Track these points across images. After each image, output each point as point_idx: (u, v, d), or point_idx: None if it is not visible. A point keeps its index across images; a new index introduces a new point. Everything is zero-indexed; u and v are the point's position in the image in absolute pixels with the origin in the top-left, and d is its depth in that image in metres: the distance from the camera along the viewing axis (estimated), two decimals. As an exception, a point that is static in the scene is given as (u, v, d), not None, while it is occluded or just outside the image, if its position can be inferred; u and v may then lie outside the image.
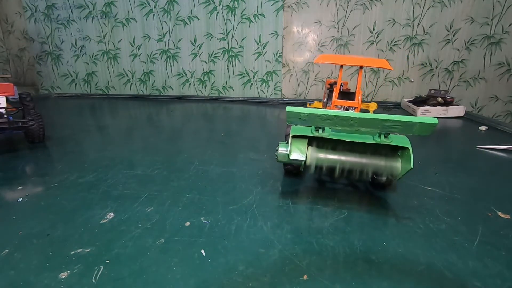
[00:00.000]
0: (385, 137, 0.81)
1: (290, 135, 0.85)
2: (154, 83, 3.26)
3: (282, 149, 0.91)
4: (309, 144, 0.88)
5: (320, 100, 1.82)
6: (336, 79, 1.65)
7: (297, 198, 0.96)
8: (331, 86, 1.35)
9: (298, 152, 0.85)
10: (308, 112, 0.73)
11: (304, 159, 0.85)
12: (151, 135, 1.76)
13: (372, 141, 0.82)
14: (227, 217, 0.85)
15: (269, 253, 0.70)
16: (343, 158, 0.85)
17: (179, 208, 0.89)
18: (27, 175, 1.15)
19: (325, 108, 1.38)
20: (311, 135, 0.84)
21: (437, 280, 0.62)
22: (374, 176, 0.97)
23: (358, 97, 1.05)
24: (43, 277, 0.61)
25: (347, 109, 1.05)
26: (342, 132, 0.84)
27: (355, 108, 1.06)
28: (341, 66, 1.04)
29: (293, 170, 1.07)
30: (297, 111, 0.73)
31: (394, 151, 0.86)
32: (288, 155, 0.87)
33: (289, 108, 0.74)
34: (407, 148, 0.80)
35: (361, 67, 1.04)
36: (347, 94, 1.22)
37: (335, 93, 1.04)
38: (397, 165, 0.83)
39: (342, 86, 1.33)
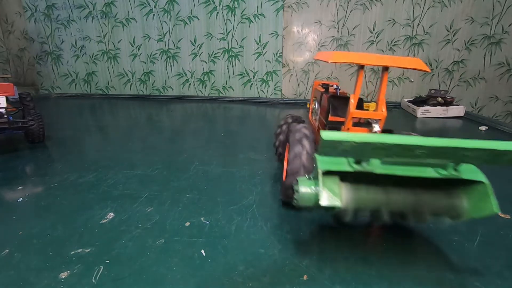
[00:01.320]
0: (455, 169, 0.60)
1: (320, 170, 0.60)
2: (154, 83, 3.26)
3: (305, 189, 0.63)
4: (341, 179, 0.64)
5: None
6: (327, 80, 1.43)
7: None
8: (326, 89, 1.16)
9: (331, 195, 0.60)
10: (356, 140, 0.50)
11: (340, 204, 0.60)
12: (151, 135, 1.76)
13: (436, 175, 0.60)
14: (227, 217, 0.85)
15: (269, 253, 0.70)
16: (392, 197, 0.63)
17: (179, 208, 0.89)
18: (27, 175, 1.15)
19: (317, 119, 1.18)
20: (350, 169, 0.61)
21: (437, 280, 0.62)
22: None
23: (383, 108, 0.83)
24: (43, 277, 0.61)
25: (369, 123, 0.85)
26: (392, 165, 0.61)
27: (378, 120, 0.83)
28: (362, 67, 0.81)
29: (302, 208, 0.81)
30: (339, 139, 0.50)
31: (453, 188, 0.64)
32: (315, 199, 0.62)
33: (325, 136, 0.50)
34: (483, 183, 0.61)
35: (386, 69, 0.81)
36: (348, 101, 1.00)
37: (353, 103, 0.81)
38: (464, 204, 0.63)
39: (339, 89, 1.12)
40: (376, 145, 0.51)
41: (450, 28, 2.62)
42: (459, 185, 0.63)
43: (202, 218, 0.84)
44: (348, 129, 0.84)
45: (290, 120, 1.20)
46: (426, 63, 2.75)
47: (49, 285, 0.59)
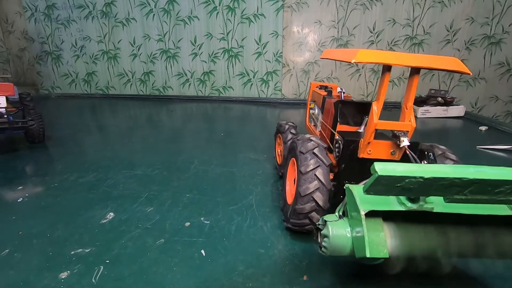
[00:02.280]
0: None
1: (362, 212, 0.48)
2: (154, 83, 3.26)
3: (339, 234, 0.51)
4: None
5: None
6: (326, 81, 1.26)
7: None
8: (329, 93, 1.04)
9: (381, 245, 0.47)
10: (426, 176, 0.39)
11: (387, 254, 0.48)
12: (151, 135, 1.76)
13: (510, 213, 0.51)
14: (227, 217, 0.85)
15: (269, 253, 0.70)
16: (452, 240, 0.51)
17: (179, 208, 0.89)
18: (27, 175, 1.15)
19: (318, 125, 1.05)
20: (404, 209, 0.49)
21: (437, 280, 0.62)
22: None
23: (411, 117, 0.71)
24: (43, 277, 0.61)
25: (397, 136, 0.71)
26: (455, 202, 0.47)
27: (406, 132, 0.70)
28: (389, 68, 0.68)
29: (306, 231, 0.72)
30: (401, 175, 0.39)
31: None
32: (350, 248, 0.51)
33: (382, 170, 0.39)
34: None
35: (418, 71, 0.68)
36: (360, 107, 0.85)
37: (377, 111, 0.68)
38: None
39: (344, 92, 1.01)
40: (453, 181, 0.39)
41: (450, 28, 2.62)
42: None
43: (202, 218, 0.84)
44: (369, 142, 0.71)
45: (293, 131, 1.04)
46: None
47: (49, 285, 0.59)
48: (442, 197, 0.48)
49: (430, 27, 2.65)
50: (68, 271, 0.63)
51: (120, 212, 0.86)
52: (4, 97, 1.37)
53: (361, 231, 0.48)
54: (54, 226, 0.80)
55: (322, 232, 0.53)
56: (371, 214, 0.48)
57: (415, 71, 0.69)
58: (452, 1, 2.55)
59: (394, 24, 2.70)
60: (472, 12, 2.54)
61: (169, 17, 3.00)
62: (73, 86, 3.41)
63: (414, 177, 0.39)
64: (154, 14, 3.01)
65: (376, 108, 0.69)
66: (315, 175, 0.66)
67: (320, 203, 0.66)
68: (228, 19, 2.90)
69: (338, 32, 2.82)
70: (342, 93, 1.01)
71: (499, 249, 0.52)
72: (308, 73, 2.97)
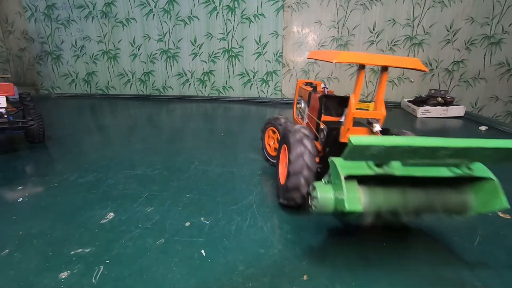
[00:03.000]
0: (468, 168, 0.64)
1: (342, 176, 0.60)
2: (154, 83, 3.26)
3: (324, 195, 0.64)
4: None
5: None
6: (315, 80, 1.40)
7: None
8: (314, 89, 1.16)
9: (356, 201, 0.60)
10: (386, 144, 0.51)
11: (362, 209, 0.61)
12: (151, 135, 1.76)
13: (452, 174, 0.64)
14: (227, 217, 0.85)
15: (269, 253, 0.70)
16: (410, 199, 0.65)
17: (179, 208, 0.89)
18: (27, 175, 1.15)
19: (303, 118, 1.19)
20: (372, 173, 0.61)
21: (437, 279, 0.62)
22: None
23: (382, 108, 0.84)
24: (43, 277, 0.61)
25: (369, 122, 0.85)
26: (411, 166, 0.63)
27: (378, 120, 0.84)
28: (363, 67, 0.82)
29: (298, 205, 0.86)
30: (369, 144, 0.51)
31: (461, 185, 0.67)
32: (335, 204, 0.63)
33: (355, 141, 0.50)
34: (491, 180, 0.65)
35: (386, 69, 0.82)
36: (341, 100, 0.98)
37: (354, 103, 0.81)
38: (471, 201, 0.66)
39: (327, 88, 1.14)
40: (405, 148, 0.52)
41: (450, 28, 2.62)
42: (467, 182, 0.67)
43: (202, 218, 0.84)
44: (348, 129, 0.83)
45: (282, 121, 1.18)
46: (426, 63, 2.75)
47: (49, 285, 0.59)
48: (400, 162, 0.62)
49: (430, 27, 2.65)
50: (68, 271, 0.63)
51: (120, 212, 0.86)
52: (4, 97, 1.37)
53: (341, 191, 0.60)
54: (54, 226, 0.80)
55: (312, 194, 0.66)
56: (348, 179, 0.61)
57: (384, 69, 0.83)
58: (452, 1, 2.55)
59: (394, 24, 2.70)
60: (472, 12, 2.54)
61: (169, 17, 3.00)
62: (73, 86, 3.41)
63: (378, 146, 0.51)
64: (154, 14, 3.01)
65: (353, 100, 0.81)
66: (303, 159, 0.79)
67: (307, 181, 0.78)
68: (228, 19, 2.90)
69: (338, 32, 2.82)
70: (326, 88, 1.15)
71: (445, 206, 0.66)
72: (308, 73, 2.97)
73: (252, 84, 3.07)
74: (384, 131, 0.84)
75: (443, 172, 0.64)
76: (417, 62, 0.78)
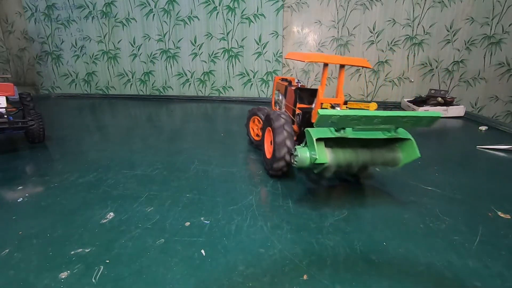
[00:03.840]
0: (395, 131, 0.90)
1: (314, 138, 0.84)
2: (154, 83, 3.26)
3: (303, 153, 0.88)
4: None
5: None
6: (288, 77, 1.65)
7: (297, 198, 0.96)
8: (289, 83, 1.39)
9: (324, 156, 0.86)
10: (340, 114, 0.77)
11: (328, 162, 0.86)
12: (151, 135, 1.76)
13: (384, 136, 0.90)
14: (227, 217, 0.85)
15: (269, 253, 0.70)
16: (360, 155, 0.91)
17: (179, 208, 0.89)
18: (27, 175, 1.15)
19: (280, 107, 1.44)
20: (333, 136, 0.86)
21: (437, 280, 0.62)
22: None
23: (341, 95, 1.10)
24: (43, 277, 0.61)
25: (333, 107, 1.11)
26: (358, 131, 0.88)
27: (339, 104, 1.11)
28: (327, 65, 1.07)
29: (283, 173, 1.09)
30: (330, 114, 0.76)
31: (391, 144, 0.96)
32: (310, 160, 0.86)
33: (321, 111, 0.75)
34: (410, 140, 0.92)
35: (342, 66, 1.09)
36: (311, 92, 1.22)
37: (321, 92, 1.07)
38: (400, 155, 0.94)
39: (300, 83, 1.39)
40: (352, 117, 0.79)
41: (450, 28, 2.62)
42: (395, 143, 0.96)
43: (202, 218, 0.84)
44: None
45: (265, 111, 1.41)
46: (426, 63, 2.75)
47: (49, 285, 0.59)
48: (351, 129, 0.87)
49: (430, 27, 2.65)
50: (68, 271, 0.63)
51: (120, 212, 0.87)
52: (4, 97, 1.37)
53: (314, 149, 0.85)
54: (54, 226, 0.80)
55: (294, 154, 0.90)
56: (318, 141, 0.86)
57: (341, 66, 1.09)
58: (452, 1, 2.55)
59: (394, 24, 2.70)
60: (472, 12, 2.54)
61: (169, 17, 3.00)
62: (73, 86, 3.41)
63: (335, 115, 0.77)
64: (154, 14, 3.01)
65: (321, 91, 1.07)
66: (285, 144, 1.02)
67: (288, 152, 1.02)
68: (228, 19, 2.90)
69: (338, 32, 2.82)
70: (299, 83, 1.40)
71: (383, 160, 0.94)
72: (308, 73, 2.97)
73: (252, 84, 3.07)
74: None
75: (379, 135, 0.91)
76: (364, 61, 1.06)
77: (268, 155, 1.15)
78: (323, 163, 0.86)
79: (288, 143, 1.01)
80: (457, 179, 1.15)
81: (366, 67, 1.07)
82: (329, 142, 0.89)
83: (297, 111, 1.19)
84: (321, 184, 1.08)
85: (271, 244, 0.73)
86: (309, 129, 0.89)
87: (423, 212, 0.90)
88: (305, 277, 0.62)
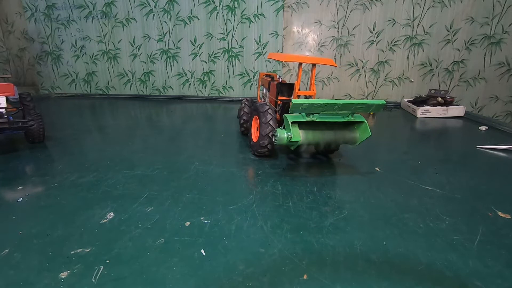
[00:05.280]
0: (352, 116, 1.15)
1: (290, 122, 1.08)
2: (154, 83, 3.26)
3: (282, 134, 1.10)
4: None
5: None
6: (269, 72, 1.90)
7: (297, 198, 0.96)
8: (272, 79, 1.58)
9: (297, 135, 1.09)
10: (308, 103, 1.02)
11: (301, 141, 1.11)
12: (151, 135, 1.76)
13: (344, 120, 1.15)
14: (227, 217, 0.85)
15: (269, 253, 0.70)
16: (325, 135, 1.16)
17: (179, 208, 0.89)
18: (27, 175, 1.15)
19: (265, 100, 1.67)
20: (304, 120, 1.10)
21: (437, 279, 0.62)
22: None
23: (313, 88, 1.33)
24: (43, 277, 0.61)
25: (306, 98, 1.34)
26: (323, 116, 1.12)
27: (311, 96, 1.33)
28: (301, 64, 1.31)
29: (267, 152, 1.31)
30: (301, 102, 1.02)
31: (350, 126, 1.20)
32: (287, 139, 1.09)
33: (295, 101, 1.00)
34: (364, 122, 1.16)
35: (313, 65, 1.32)
36: (290, 86, 1.43)
37: (297, 86, 1.29)
38: (357, 135, 1.19)
39: (281, 78, 1.60)
40: (317, 104, 1.03)
41: (450, 28, 2.62)
42: (354, 125, 1.20)
43: (202, 218, 0.84)
44: None
45: (247, 103, 1.68)
46: (426, 63, 2.75)
47: (49, 285, 0.59)
48: (318, 114, 1.10)
49: (430, 27, 2.65)
50: (68, 271, 0.63)
51: (120, 212, 0.86)
52: (4, 97, 1.37)
53: (290, 130, 1.09)
54: (54, 226, 0.80)
55: (275, 134, 1.12)
56: (293, 124, 1.10)
57: (312, 65, 1.33)
58: (452, 1, 2.55)
59: (394, 24, 2.70)
60: (472, 12, 2.54)
61: (169, 17, 3.00)
62: (73, 86, 3.41)
63: (305, 104, 1.02)
64: (154, 14, 3.01)
65: (296, 85, 1.30)
66: (269, 123, 1.24)
67: (272, 136, 1.23)
68: (228, 19, 2.90)
69: (338, 32, 2.82)
70: (280, 78, 1.60)
71: (345, 139, 1.19)
72: (308, 73, 2.97)
73: (252, 84, 3.07)
74: None
75: (340, 119, 1.14)
76: (330, 60, 1.30)
77: (255, 139, 1.35)
78: (297, 141, 1.09)
79: (272, 123, 1.23)
80: (457, 179, 1.15)
81: (332, 65, 1.29)
82: (302, 126, 1.12)
83: (279, 102, 1.40)
84: (321, 185, 1.08)
85: (271, 244, 0.73)
86: (286, 115, 1.11)
87: (423, 212, 0.90)
88: (305, 276, 0.62)
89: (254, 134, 1.38)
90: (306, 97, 1.34)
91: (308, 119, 1.10)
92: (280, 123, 1.36)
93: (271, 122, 1.23)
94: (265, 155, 1.33)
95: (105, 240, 0.74)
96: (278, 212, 0.88)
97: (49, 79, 3.41)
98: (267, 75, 1.71)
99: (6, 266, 0.64)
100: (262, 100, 1.74)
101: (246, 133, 1.68)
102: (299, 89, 1.31)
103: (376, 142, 1.63)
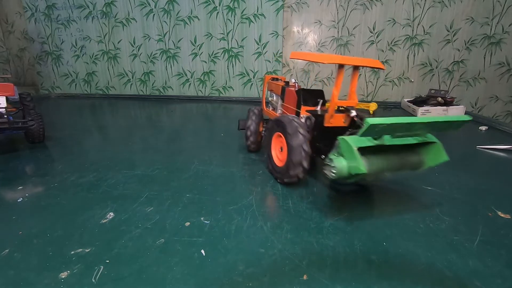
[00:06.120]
0: (425, 136, 0.89)
1: (354, 148, 0.77)
2: (154, 83, 3.26)
3: (341, 164, 0.79)
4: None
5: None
6: (276, 75, 1.60)
7: (297, 198, 0.96)
8: (287, 83, 1.34)
9: (363, 166, 0.77)
10: (387, 123, 0.73)
11: (367, 171, 0.78)
12: (151, 135, 1.76)
13: (415, 141, 0.88)
14: (227, 217, 0.85)
15: (269, 253, 0.69)
16: (391, 161, 0.87)
17: (179, 208, 0.89)
18: (27, 175, 1.15)
19: (279, 108, 1.36)
20: (372, 144, 0.81)
21: (437, 279, 0.62)
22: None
23: (354, 97, 1.07)
24: (43, 277, 0.61)
25: (347, 109, 1.04)
26: (396, 137, 0.84)
27: (353, 107, 1.06)
28: (342, 66, 1.02)
29: (298, 180, 1.02)
30: (380, 123, 0.72)
31: (415, 148, 0.92)
32: (349, 170, 0.79)
33: (371, 120, 0.70)
34: (436, 142, 0.90)
35: (342, 66, 1.04)
36: (314, 93, 1.18)
37: (336, 94, 1.00)
38: (423, 158, 0.92)
39: (297, 83, 1.31)
40: (399, 124, 0.76)
41: (450, 28, 2.62)
42: (417, 146, 0.91)
43: (202, 218, 0.84)
44: (332, 115, 1.03)
45: (256, 112, 1.37)
46: (426, 63, 2.75)
47: (49, 285, 0.59)
48: (390, 135, 0.82)
49: (430, 27, 2.65)
50: (68, 271, 0.63)
51: (120, 212, 0.86)
52: (4, 97, 1.37)
53: (355, 159, 0.77)
54: (54, 226, 0.80)
55: (331, 165, 0.81)
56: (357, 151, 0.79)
57: (354, 68, 1.06)
58: (452, 1, 2.55)
59: (394, 24, 2.70)
60: (472, 12, 2.54)
61: (169, 17, 3.00)
62: (73, 86, 3.41)
63: (383, 124, 0.73)
64: (154, 14, 3.01)
65: (336, 93, 1.00)
66: (303, 148, 0.95)
67: (306, 165, 0.96)
68: (228, 19, 2.90)
69: (338, 32, 2.82)
70: (297, 83, 1.30)
71: (411, 165, 0.90)
72: (308, 73, 2.97)
73: (252, 84, 3.07)
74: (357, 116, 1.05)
75: (411, 140, 0.87)
76: (377, 62, 1.03)
77: (279, 162, 1.08)
78: (361, 173, 0.77)
79: (306, 147, 0.95)
80: (457, 179, 1.15)
81: (380, 68, 1.04)
82: (362, 150, 0.81)
83: (303, 114, 1.13)
84: (321, 186, 1.08)
85: (271, 244, 0.73)
86: (345, 137, 0.81)
87: (423, 212, 0.90)
88: (305, 277, 0.62)
89: (277, 156, 1.11)
90: (347, 109, 1.05)
91: (377, 143, 0.82)
92: (311, 141, 1.06)
93: (305, 147, 0.95)
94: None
95: (105, 240, 0.74)
96: (278, 212, 0.88)
97: (49, 79, 3.41)
98: (274, 79, 1.48)
99: (6, 266, 0.64)
100: (270, 108, 1.49)
101: (256, 150, 1.41)
102: (305, 98, 1.10)
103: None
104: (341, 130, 1.03)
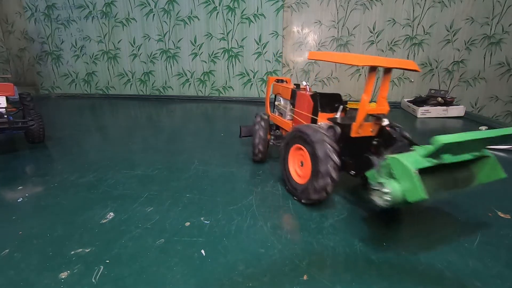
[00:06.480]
0: (481, 151, 0.78)
1: (414, 171, 0.66)
2: (154, 83, 3.26)
3: (396, 189, 0.68)
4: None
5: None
6: (280, 76, 1.44)
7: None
8: (297, 86, 1.20)
9: (423, 191, 0.65)
10: (458, 141, 0.64)
11: (427, 196, 0.65)
12: (151, 135, 1.76)
13: (471, 157, 0.77)
14: (227, 217, 0.85)
15: (269, 253, 0.69)
16: (446, 181, 0.77)
17: (179, 208, 0.89)
18: (27, 175, 1.15)
19: (288, 114, 1.22)
20: (431, 165, 0.69)
21: (437, 280, 0.62)
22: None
23: (385, 103, 0.93)
24: (43, 277, 0.61)
25: (378, 118, 0.92)
26: (457, 154, 0.75)
27: (385, 115, 0.92)
28: (374, 69, 0.86)
29: (326, 194, 0.87)
30: (453, 141, 0.63)
31: (467, 163, 0.80)
32: (406, 195, 0.67)
33: (444, 139, 0.62)
34: (490, 157, 0.79)
35: (373, 69, 0.87)
36: (333, 97, 1.05)
37: (366, 100, 0.86)
38: (475, 173, 0.81)
39: (308, 86, 1.19)
40: (469, 141, 0.66)
41: (450, 28, 2.62)
42: (470, 163, 0.80)
43: (202, 218, 0.84)
44: (361, 125, 0.90)
45: (263, 120, 1.24)
46: (426, 63, 2.75)
47: (49, 285, 0.59)
48: (452, 153, 0.71)
49: (430, 27, 2.65)
50: (68, 271, 0.63)
51: (120, 212, 0.86)
52: (4, 97, 1.37)
53: (414, 184, 0.65)
54: (54, 226, 0.80)
55: (383, 191, 0.69)
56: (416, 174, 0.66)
57: (387, 70, 0.90)
58: (452, 1, 2.55)
59: (394, 24, 2.71)
60: (472, 12, 2.54)
61: (169, 17, 3.00)
62: (73, 86, 3.41)
63: (454, 142, 0.63)
64: (154, 14, 3.01)
65: (366, 99, 0.86)
66: (329, 154, 0.82)
67: (335, 176, 0.83)
68: (228, 19, 2.90)
69: (338, 32, 2.82)
70: (308, 86, 1.17)
71: (464, 182, 0.78)
72: (308, 73, 2.97)
73: (252, 84, 3.07)
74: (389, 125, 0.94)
75: (468, 156, 0.77)
76: (412, 63, 0.89)
77: (300, 179, 0.95)
78: (420, 199, 0.65)
79: (334, 156, 0.82)
80: (457, 179, 1.15)
81: (415, 71, 0.89)
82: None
83: (323, 121, 0.99)
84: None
85: (271, 244, 0.73)
86: (398, 157, 0.69)
87: (423, 212, 0.90)
88: (305, 277, 0.62)
89: (297, 172, 0.97)
90: (378, 117, 0.93)
91: (436, 162, 0.70)
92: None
93: (333, 157, 0.83)
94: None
95: (105, 240, 0.74)
96: (278, 212, 0.88)
97: (49, 79, 3.42)
98: (279, 80, 1.35)
99: (6, 266, 0.64)
100: (276, 113, 1.34)
101: (262, 160, 1.27)
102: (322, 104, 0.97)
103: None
104: (365, 140, 0.93)
